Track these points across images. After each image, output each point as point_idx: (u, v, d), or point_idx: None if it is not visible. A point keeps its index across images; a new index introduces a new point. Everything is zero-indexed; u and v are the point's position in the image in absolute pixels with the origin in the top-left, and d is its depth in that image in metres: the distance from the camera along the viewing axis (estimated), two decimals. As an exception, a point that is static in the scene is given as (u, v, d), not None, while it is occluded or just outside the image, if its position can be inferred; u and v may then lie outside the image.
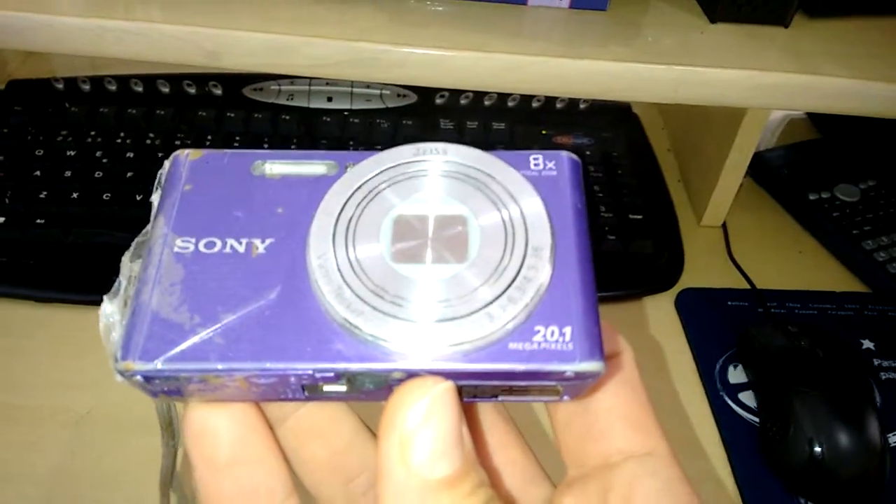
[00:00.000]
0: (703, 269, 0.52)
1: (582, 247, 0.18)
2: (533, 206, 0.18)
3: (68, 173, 0.50)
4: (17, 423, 0.40)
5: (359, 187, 0.18)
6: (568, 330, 0.16)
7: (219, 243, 0.18)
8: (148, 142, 0.53)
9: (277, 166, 0.19)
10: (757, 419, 0.44)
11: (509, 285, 0.17)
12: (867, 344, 0.48)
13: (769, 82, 0.33)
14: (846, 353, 0.44)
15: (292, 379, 0.16)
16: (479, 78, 0.33)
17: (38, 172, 0.50)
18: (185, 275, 0.17)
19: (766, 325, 0.46)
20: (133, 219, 0.48)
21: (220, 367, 0.16)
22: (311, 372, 0.16)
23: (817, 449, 0.39)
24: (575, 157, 0.19)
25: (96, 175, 0.50)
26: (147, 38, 0.33)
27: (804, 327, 0.45)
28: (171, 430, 0.21)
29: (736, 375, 0.46)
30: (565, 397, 0.18)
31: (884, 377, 0.46)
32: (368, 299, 0.17)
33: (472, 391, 0.17)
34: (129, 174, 0.51)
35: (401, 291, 0.17)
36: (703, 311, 0.50)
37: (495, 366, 0.16)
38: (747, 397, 0.45)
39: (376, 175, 0.19)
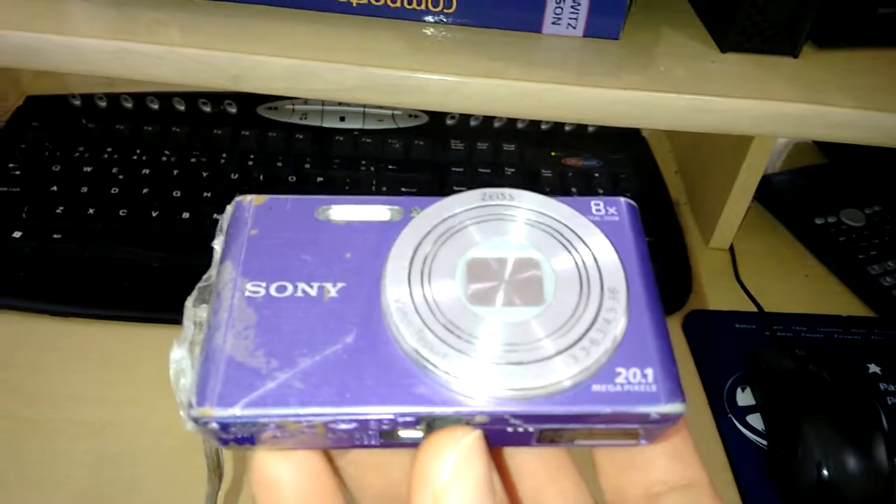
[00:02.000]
0: (711, 292, 0.53)
1: (651, 288, 0.18)
2: (604, 249, 0.18)
3: (84, 189, 0.51)
4: (35, 437, 0.40)
5: (429, 231, 0.18)
6: (650, 372, 0.17)
7: (290, 287, 0.18)
8: (163, 159, 0.54)
9: (342, 212, 0.19)
10: (765, 442, 0.44)
11: (589, 327, 0.17)
12: (873, 368, 0.49)
13: (778, 112, 0.34)
14: (853, 377, 0.44)
15: (372, 424, 0.16)
16: (495, 104, 0.34)
17: (54, 188, 0.51)
18: (259, 319, 0.17)
19: (774, 349, 0.46)
20: (148, 234, 0.49)
21: (301, 411, 0.16)
22: (392, 416, 0.16)
23: (825, 472, 0.39)
24: (633, 202, 0.20)
25: (112, 191, 0.51)
26: (168, 61, 0.34)
27: (811, 351, 0.45)
28: (218, 472, 0.20)
29: (744, 398, 0.46)
30: (643, 441, 0.18)
31: (890, 402, 0.47)
32: (450, 342, 0.16)
33: (551, 435, 0.17)
34: (144, 190, 0.51)
35: (481, 334, 0.17)
36: (710, 333, 0.50)
37: (582, 408, 0.16)
38: (755, 420, 0.45)
39: (446, 219, 0.19)
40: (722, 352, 0.49)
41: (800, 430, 0.41)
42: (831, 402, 0.42)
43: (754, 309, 0.51)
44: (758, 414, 0.45)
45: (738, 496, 0.41)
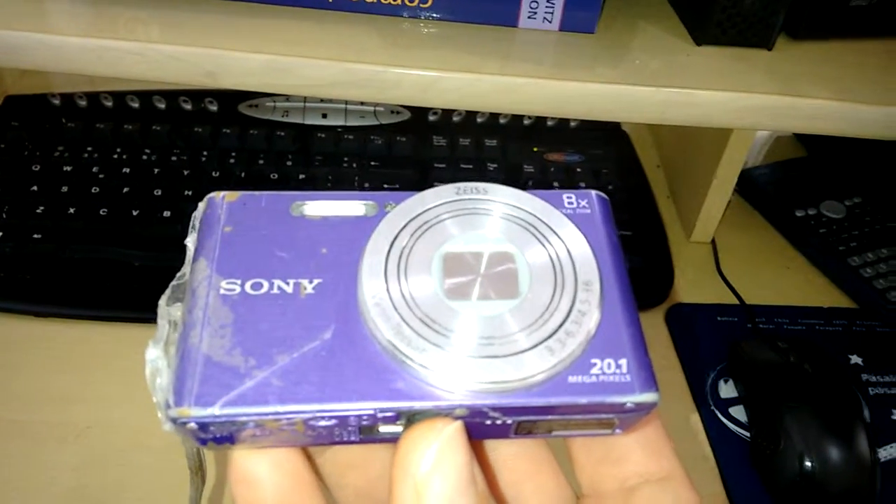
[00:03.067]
0: (693, 285, 0.53)
1: (623, 280, 0.18)
2: (577, 242, 0.19)
3: (65, 188, 0.51)
4: (16, 439, 0.40)
5: (405, 226, 0.19)
6: (623, 362, 0.17)
7: (266, 284, 0.18)
8: (144, 157, 0.54)
9: (317, 207, 0.19)
10: (748, 434, 0.44)
11: (564, 320, 0.17)
12: (855, 359, 0.49)
13: (753, 104, 0.34)
14: (835, 369, 0.44)
15: (352, 420, 0.16)
16: (471, 99, 0.34)
17: (34, 188, 0.51)
18: (235, 317, 0.17)
19: (756, 341, 0.47)
20: (129, 234, 0.49)
21: (280, 409, 0.16)
22: (372, 412, 0.16)
23: (808, 463, 0.40)
24: (604, 195, 0.20)
25: (93, 190, 0.51)
26: (147, 58, 0.34)
27: (793, 342, 0.45)
28: (200, 473, 0.20)
29: (727, 390, 0.46)
30: (618, 430, 0.18)
31: (872, 392, 0.47)
32: (428, 336, 0.17)
33: (528, 427, 0.17)
34: (125, 189, 0.51)
35: (458, 328, 0.17)
36: (692, 326, 0.50)
37: (559, 399, 0.16)
38: (738, 412, 0.45)
39: (420, 214, 0.19)
40: (704, 345, 0.49)
41: (782, 421, 0.41)
42: (813, 393, 0.42)
43: (736, 301, 0.52)
44: (741, 406, 0.45)
45: (721, 488, 0.42)
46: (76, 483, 0.38)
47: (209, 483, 0.38)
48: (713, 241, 0.56)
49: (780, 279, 0.55)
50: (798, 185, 0.61)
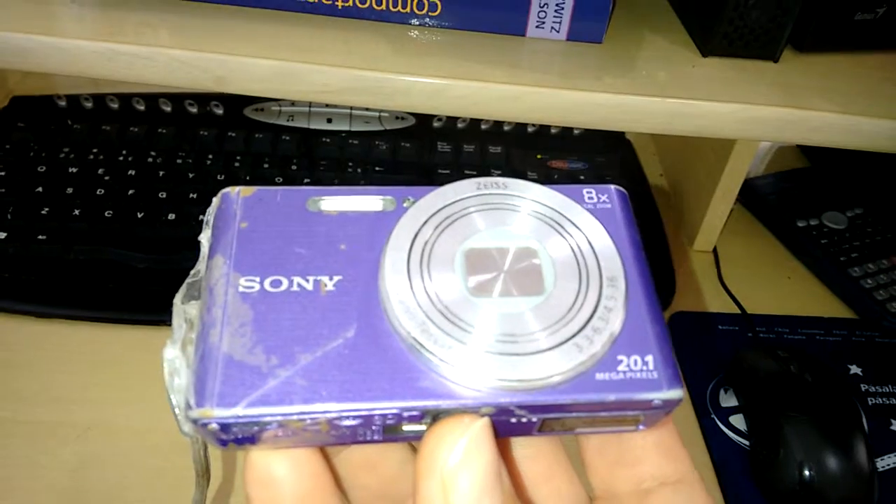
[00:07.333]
0: (694, 294, 0.53)
1: (645, 276, 0.18)
2: (601, 238, 0.18)
3: (70, 190, 0.51)
4: (18, 439, 0.40)
5: (426, 222, 0.18)
6: (650, 359, 0.17)
7: (285, 282, 0.17)
8: (149, 160, 0.54)
9: (334, 202, 0.19)
10: (747, 443, 0.44)
11: (591, 317, 0.17)
12: (854, 369, 0.49)
13: (759, 115, 0.34)
14: (834, 379, 0.44)
15: (377, 419, 0.16)
16: (478, 107, 0.34)
17: (40, 189, 0.51)
18: (255, 315, 0.17)
19: (756, 350, 0.47)
20: (134, 236, 0.49)
21: (305, 409, 0.15)
22: (397, 411, 0.16)
23: (807, 473, 0.40)
24: (623, 190, 0.20)
25: (98, 192, 0.51)
26: (156, 62, 0.34)
27: (793, 352, 0.45)
28: (207, 475, 0.20)
29: (727, 399, 0.47)
30: (641, 427, 0.18)
31: (871, 402, 0.47)
32: (453, 334, 0.16)
33: (552, 425, 0.17)
34: (130, 191, 0.51)
35: (483, 326, 0.17)
36: (693, 334, 0.50)
37: (586, 397, 0.16)
38: (738, 421, 0.45)
39: (441, 209, 0.18)
40: (705, 353, 0.49)
41: (782, 430, 0.41)
42: (813, 403, 0.42)
43: (737, 311, 0.52)
44: (741, 415, 0.46)
45: (720, 496, 0.42)
46: (76, 484, 0.38)
47: (213, 484, 0.38)
48: (715, 250, 0.56)
49: (781, 289, 0.55)
50: (800, 195, 0.61)
